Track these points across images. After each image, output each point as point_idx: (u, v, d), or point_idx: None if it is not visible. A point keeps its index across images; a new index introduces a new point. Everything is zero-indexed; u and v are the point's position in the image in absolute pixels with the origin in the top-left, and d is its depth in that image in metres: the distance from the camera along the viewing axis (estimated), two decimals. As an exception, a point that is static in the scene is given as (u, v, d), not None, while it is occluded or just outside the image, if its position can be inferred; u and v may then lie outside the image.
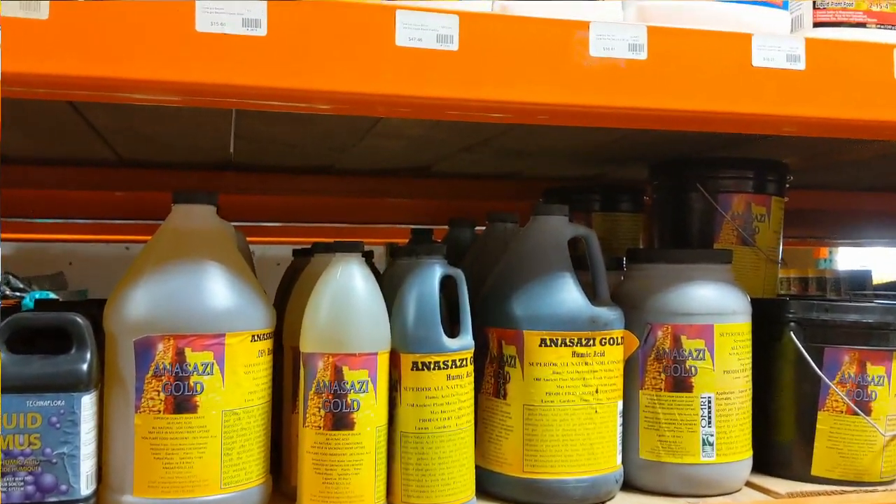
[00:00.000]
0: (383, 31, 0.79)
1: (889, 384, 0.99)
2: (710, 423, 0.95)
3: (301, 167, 1.69)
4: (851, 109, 0.91)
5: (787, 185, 1.30)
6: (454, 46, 0.81)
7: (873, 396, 0.98)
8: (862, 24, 0.99)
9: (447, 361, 0.86)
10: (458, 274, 0.90)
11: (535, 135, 1.34)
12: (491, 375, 0.95)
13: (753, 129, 0.96)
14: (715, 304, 0.96)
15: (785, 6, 0.94)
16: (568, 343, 0.91)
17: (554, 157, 1.55)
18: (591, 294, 0.96)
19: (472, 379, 0.90)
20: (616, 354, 0.94)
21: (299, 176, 1.71)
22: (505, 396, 0.93)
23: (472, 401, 0.90)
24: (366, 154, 1.56)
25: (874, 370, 0.98)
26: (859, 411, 0.97)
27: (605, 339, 0.93)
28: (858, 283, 3.02)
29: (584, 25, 0.84)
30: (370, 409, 0.84)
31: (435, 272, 0.88)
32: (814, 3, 0.99)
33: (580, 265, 0.97)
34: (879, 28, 0.99)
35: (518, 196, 1.83)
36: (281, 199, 1.74)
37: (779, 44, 0.89)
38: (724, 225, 1.22)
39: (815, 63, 0.90)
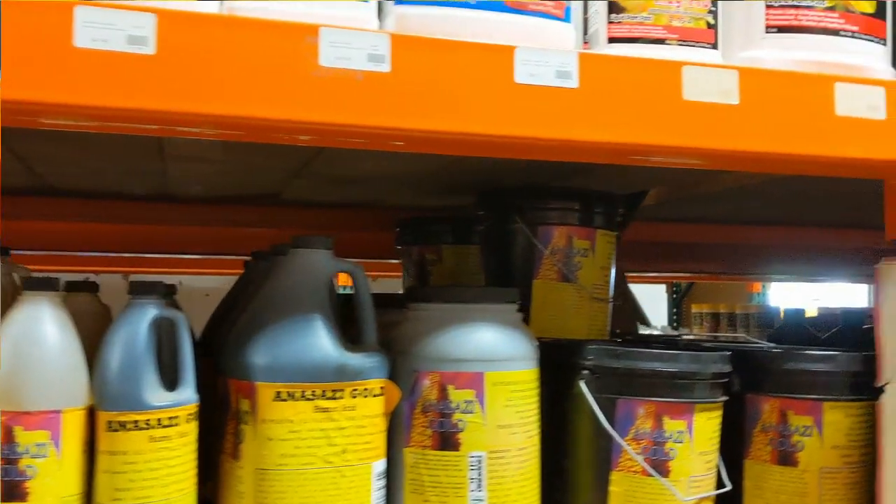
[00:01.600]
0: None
1: (691, 441, 0.89)
2: (480, 486, 0.83)
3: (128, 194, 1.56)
4: (631, 132, 0.81)
5: (621, 218, 1.21)
6: (150, 50, 0.69)
7: (671, 455, 0.87)
8: (661, 41, 0.90)
9: (150, 420, 0.73)
10: (177, 317, 0.77)
11: (354, 159, 1.23)
12: (231, 433, 0.82)
13: (518, 153, 0.86)
14: (488, 349, 0.85)
15: (567, 18, 0.85)
16: (309, 396, 0.79)
17: (388, 183, 1.44)
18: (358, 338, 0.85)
19: (192, 440, 0.77)
20: (372, 408, 0.82)
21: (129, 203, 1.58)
22: (239, 458, 0.80)
23: (193, 466, 0.77)
24: (186, 180, 1.44)
25: (672, 425, 0.88)
26: (654, 472, 0.87)
27: (358, 390, 0.81)
28: (768, 320, 2.96)
29: (314, 30, 0.74)
30: (50, 478, 0.70)
31: (145, 315, 0.75)
32: (609, 17, 0.90)
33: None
34: (681, 45, 0.90)
35: (371, 226, 1.72)
36: (112, 227, 1.61)
37: (546, 58, 0.79)
38: (544, 260, 1.12)
39: (591, 81, 0.80)
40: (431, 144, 0.83)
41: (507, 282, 1.15)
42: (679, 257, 2.19)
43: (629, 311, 1.88)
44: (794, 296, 4.20)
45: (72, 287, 0.88)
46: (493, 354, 0.84)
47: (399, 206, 1.72)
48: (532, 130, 0.79)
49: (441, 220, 1.50)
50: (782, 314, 2.94)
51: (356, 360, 0.81)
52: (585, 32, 0.98)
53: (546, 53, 0.79)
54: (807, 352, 0.96)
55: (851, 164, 0.90)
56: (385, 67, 0.75)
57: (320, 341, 0.80)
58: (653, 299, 4.37)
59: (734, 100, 0.84)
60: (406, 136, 0.78)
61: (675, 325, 4.48)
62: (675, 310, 4.49)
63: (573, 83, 0.80)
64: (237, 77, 0.71)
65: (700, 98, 0.83)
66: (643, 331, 1.89)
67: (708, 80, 0.84)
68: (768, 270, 2.46)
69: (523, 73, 0.79)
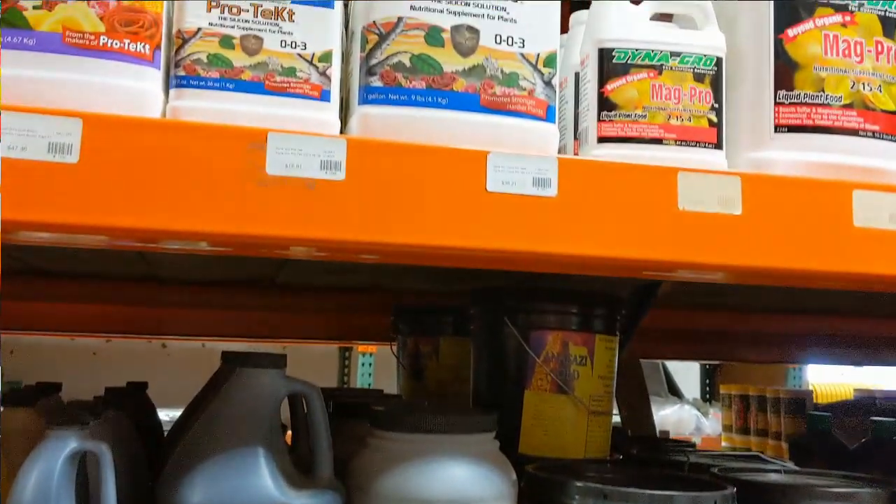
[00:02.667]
0: None
1: None
2: None
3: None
4: (617, 246, 0.72)
5: (627, 318, 1.11)
6: (73, 158, 0.63)
7: None
8: (657, 141, 0.82)
9: (60, 571, 0.64)
10: (101, 450, 0.69)
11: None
12: (165, 575, 0.73)
13: (492, 265, 0.77)
14: (457, 489, 0.74)
15: (550, 118, 0.77)
16: (247, 541, 0.69)
17: (384, 269, 1.36)
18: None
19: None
20: (321, 554, 0.72)
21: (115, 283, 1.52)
22: None
23: None
24: (172, 265, 1.38)
25: None
26: None
27: (303, 534, 0.71)
28: (799, 406, 2.80)
29: (261, 136, 0.67)
30: None
31: (61, 449, 0.67)
32: (599, 115, 0.82)
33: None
34: (679, 145, 0.81)
35: (371, 309, 1.63)
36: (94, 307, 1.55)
37: (522, 164, 0.72)
38: (537, 368, 1.02)
39: (572, 190, 0.72)
40: (398, 256, 0.75)
41: (495, 391, 1.05)
42: (704, 342, 2.07)
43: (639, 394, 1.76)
44: (831, 372, 4.05)
45: (9, 400, 0.80)
46: (463, 495, 0.74)
47: (400, 290, 1.64)
48: (505, 243, 0.70)
49: (439, 309, 1.40)
50: (815, 399, 2.79)
51: (301, 501, 0.72)
52: (577, 128, 0.90)
53: (522, 159, 0.72)
54: (823, 488, 0.85)
55: (874, 280, 0.80)
56: (340, 175, 0.68)
57: (261, 480, 0.71)
58: (686, 367, 4.21)
59: (736, 209, 0.75)
60: (368, 249, 0.70)
61: (707, 396, 4.31)
62: (707, 380, 4.33)
63: (552, 192, 0.72)
64: (178, 187, 0.64)
65: (698, 208, 0.74)
66: (655, 432, 1.76)
67: (707, 188, 0.75)
68: (801, 358, 2.33)
69: (496, 181, 0.71)
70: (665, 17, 0.93)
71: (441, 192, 0.69)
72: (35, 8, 0.66)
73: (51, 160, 0.62)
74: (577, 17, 0.97)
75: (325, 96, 0.72)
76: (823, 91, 0.82)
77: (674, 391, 4.06)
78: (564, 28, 0.96)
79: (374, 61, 0.74)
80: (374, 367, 2.27)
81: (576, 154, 0.92)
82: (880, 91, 0.83)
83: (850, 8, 0.84)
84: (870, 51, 0.84)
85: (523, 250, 0.71)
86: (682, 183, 0.74)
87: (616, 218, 0.72)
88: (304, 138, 0.67)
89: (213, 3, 0.71)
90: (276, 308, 1.64)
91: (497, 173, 0.71)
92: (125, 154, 0.64)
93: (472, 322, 1.15)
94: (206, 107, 0.70)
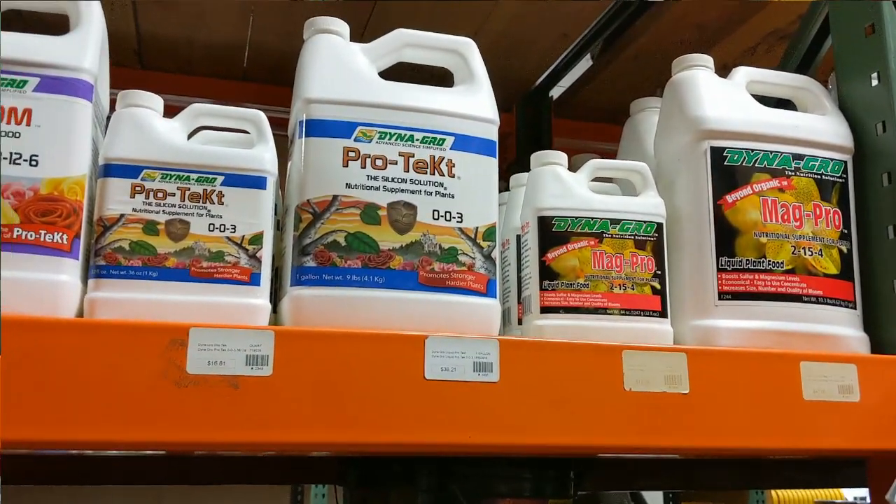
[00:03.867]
0: None
1: None
2: None
3: None
4: (563, 430, 0.69)
5: (577, 482, 1.06)
6: (-24, 367, 0.58)
7: None
8: (601, 310, 0.80)
9: None
10: None
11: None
12: None
13: (433, 453, 0.73)
14: None
15: (491, 293, 0.75)
16: None
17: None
18: None
19: None
20: None
21: None
22: None
23: None
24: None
25: None
26: None
27: None
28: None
29: (183, 331, 0.63)
30: None
31: None
32: (541, 284, 0.80)
33: None
34: (623, 314, 0.80)
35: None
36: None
37: (462, 348, 0.69)
38: (488, 534, 0.97)
39: (515, 373, 0.69)
40: (331, 450, 0.70)
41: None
42: (667, 473, 2.02)
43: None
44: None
45: None
46: None
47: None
48: (444, 435, 0.67)
49: (390, 460, 1.34)
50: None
51: None
52: (520, 292, 0.88)
53: (462, 342, 0.69)
54: None
55: (826, 452, 0.78)
56: (267, 371, 0.64)
57: None
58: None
59: (684, 388, 0.72)
60: (294, 448, 0.65)
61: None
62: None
63: (493, 376, 0.69)
64: (91, 393, 0.60)
65: (644, 388, 0.72)
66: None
67: (653, 366, 0.73)
68: (764, 484, 2.28)
69: (435, 368, 0.68)
70: (605, 178, 0.93)
71: (377, 382, 0.66)
72: (-56, 201, 0.63)
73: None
74: (518, 178, 0.97)
75: (254, 280, 0.69)
76: (765, 257, 0.82)
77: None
78: (504, 186, 0.96)
79: (307, 241, 0.71)
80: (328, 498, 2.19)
81: (520, 320, 0.90)
82: (821, 255, 0.83)
83: (786, 173, 0.84)
84: (808, 214, 0.84)
85: (463, 443, 0.67)
86: (627, 362, 0.72)
87: (561, 401, 0.69)
88: (228, 332, 0.63)
89: (138, 189, 0.68)
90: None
91: (436, 359, 0.68)
92: (37, 360, 0.59)
93: (419, 483, 1.10)
94: (126, 297, 0.66)
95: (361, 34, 1.32)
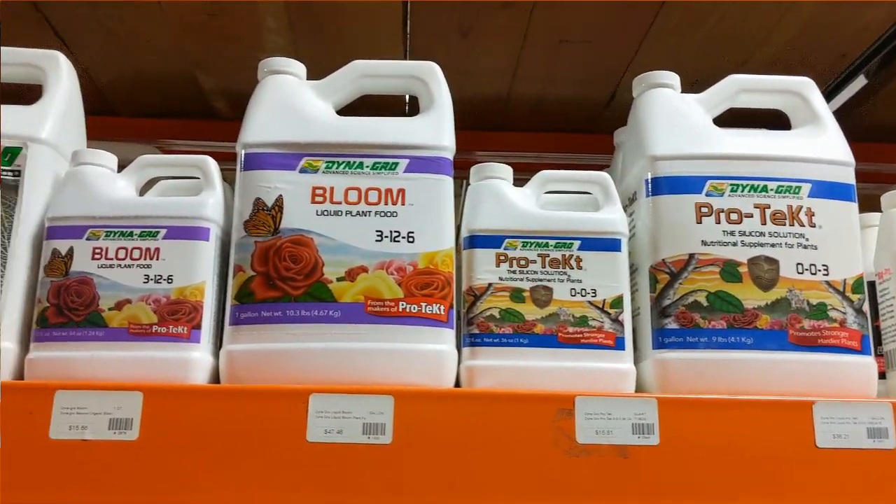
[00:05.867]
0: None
1: None
2: None
3: None
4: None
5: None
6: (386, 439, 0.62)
7: None
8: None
9: None
10: None
11: None
12: None
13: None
14: None
15: (866, 350, 0.69)
16: None
17: None
18: None
19: None
20: None
21: None
22: None
23: None
24: None
25: None
26: None
27: None
28: None
29: (569, 400, 0.63)
30: None
31: None
32: None
33: None
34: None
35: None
36: None
37: (854, 414, 0.64)
38: None
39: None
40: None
41: None
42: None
43: None
44: None
45: None
46: None
47: None
48: (845, 509, 0.62)
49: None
50: None
51: None
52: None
53: (853, 406, 0.64)
54: None
55: None
56: (653, 440, 0.62)
57: None
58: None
59: None
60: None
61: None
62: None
63: (889, 443, 0.63)
64: (483, 461, 0.61)
65: None
66: None
67: None
68: None
69: (826, 435, 0.63)
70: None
71: (765, 450, 0.62)
72: (339, 280, 0.67)
73: (366, 442, 0.61)
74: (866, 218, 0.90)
75: (619, 344, 0.69)
76: None
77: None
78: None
79: (667, 301, 0.70)
80: None
81: (881, 374, 0.83)
82: None
83: None
84: None
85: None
86: None
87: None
88: (612, 400, 0.63)
89: (502, 258, 0.70)
90: None
91: (825, 425, 0.64)
92: (429, 430, 0.62)
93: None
94: (500, 364, 0.67)
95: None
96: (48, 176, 0.70)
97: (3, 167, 0.68)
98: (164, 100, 1.48)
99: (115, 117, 1.36)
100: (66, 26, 1.23)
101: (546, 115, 1.51)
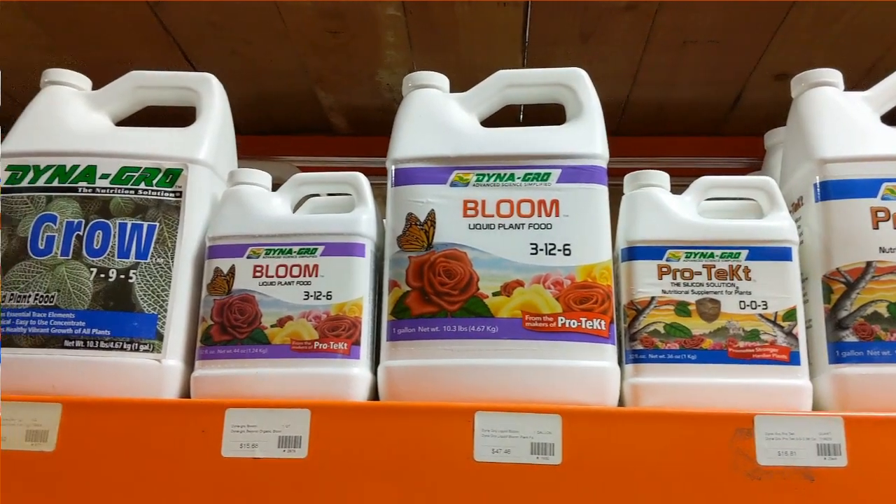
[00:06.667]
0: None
1: None
2: None
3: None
4: None
5: None
6: (556, 460, 0.60)
7: None
8: None
9: None
10: None
11: None
12: None
13: None
14: None
15: None
16: None
17: None
18: None
19: None
20: None
21: None
22: None
23: None
24: None
25: None
26: None
27: None
28: None
29: (748, 420, 0.59)
30: None
31: None
32: None
33: None
34: None
35: None
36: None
37: None
38: None
39: None
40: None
41: None
42: None
43: None
44: None
45: None
46: None
47: None
48: None
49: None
50: None
51: None
52: None
53: None
54: None
55: None
56: (840, 461, 0.58)
57: None
58: None
59: None
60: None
61: None
62: None
63: None
64: (658, 482, 0.59)
65: None
66: None
67: None
68: None
69: None
70: None
71: (965, 474, 0.58)
72: (494, 294, 0.66)
73: (535, 462, 0.59)
74: None
75: (794, 359, 0.65)
76: None
77: None
78: None
79: (843, 313, 0.65)
80: None
81: None
82: None
83: None
84: None
85: None
86: None
87: None
88: (794, 420, 0.59)
89: (664, 269, 0.67)
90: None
91: None
92: (600, 450, 0.60)
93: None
94: (667, 382, 0.65)
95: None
96: (206, 196, 0.72)
97: (164, 188, 0.70)
98: (285, 117, 1.51)
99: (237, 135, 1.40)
100: (194, 49, 1.27)
101: (666, 118, 1.47)
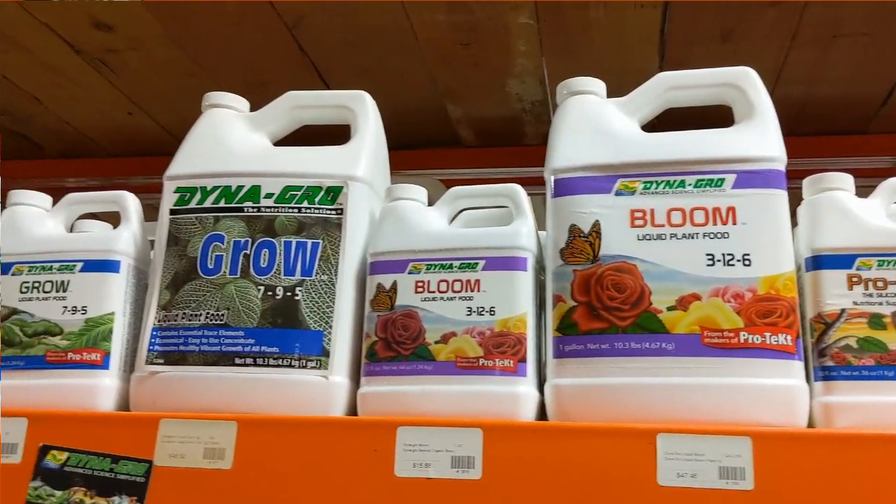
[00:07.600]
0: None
1: None
2: None
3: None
4: None
5: None
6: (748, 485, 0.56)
7: None
8: None
9: None
10: None
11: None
12: None
13: None
14: None
15: None
16: None
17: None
18: None
19: None
20: None
21: None
22: None
23: None
24: None
25: None
26: None
27: None
28: None
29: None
30: None
31: None
32: None
33: None
34: None
35: None
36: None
37: None
38: None
39: None
40: None
41: None
42: None
43: None
44: None
45: None
46: None
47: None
48: None
49: None
50: None
51: None
52: None
53: None
54: None
55: None
56: None
57: None
58: None
59: None
60: None
61: None
62: None
63: None
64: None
65: None
66: None
67: None
68: None
69: None
70: None
71: None
72: (669, 309, 0.63)
73: (724, 487, 0.55)
74: None
75: None
76: None
77: None
78: None
79: None
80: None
81: None
82: None
83: None
84: None
85: None
86: None
87: None
88: None
89: (855, 279, 0.62)
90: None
91: None
92: (794, 475, 0.55)
93: None
94: (863, 401, 0.60)
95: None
96: (365, 212, 0.72)
97: (326, 206, 0.70)
98: (414, 131, 1.51)
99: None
100: (327, 67, 1.29)
101: (809, 117, 1.39)
